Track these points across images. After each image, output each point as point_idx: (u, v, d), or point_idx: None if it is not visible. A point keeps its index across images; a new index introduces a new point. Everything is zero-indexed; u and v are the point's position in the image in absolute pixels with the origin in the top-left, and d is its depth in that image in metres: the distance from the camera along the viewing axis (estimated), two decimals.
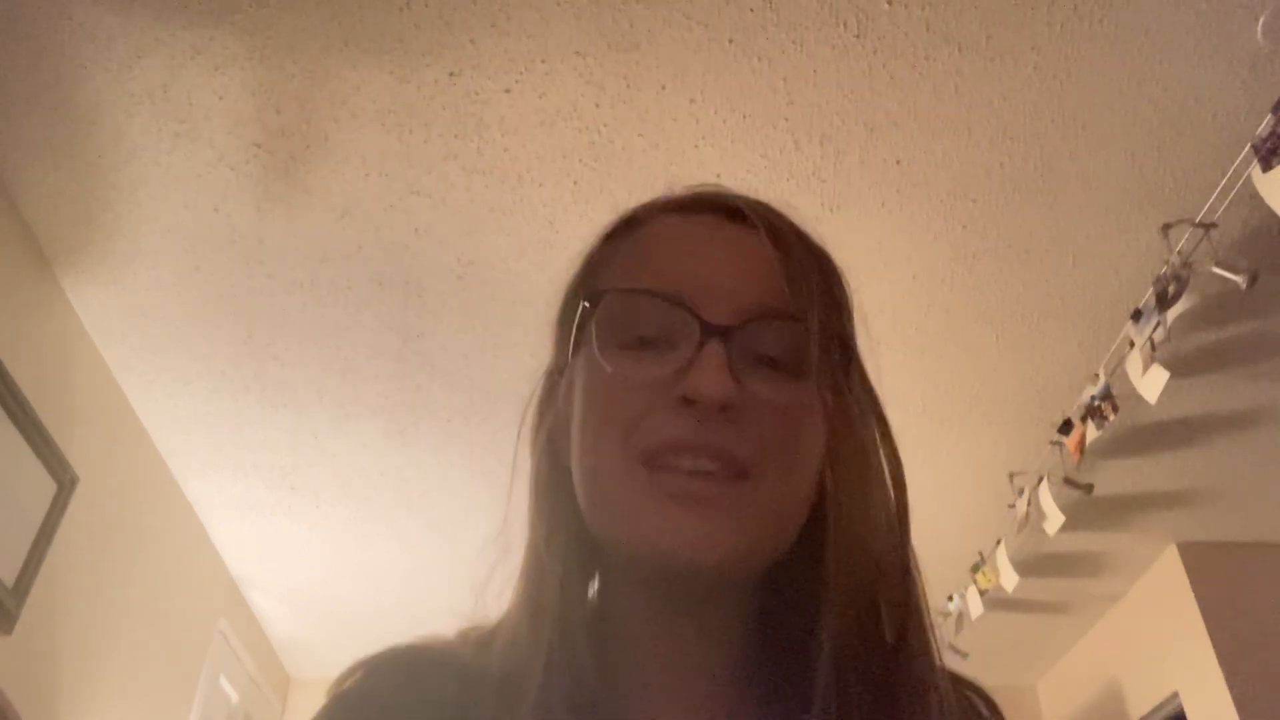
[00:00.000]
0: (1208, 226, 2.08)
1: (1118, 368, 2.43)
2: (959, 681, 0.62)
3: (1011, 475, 2.91)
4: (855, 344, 0.62)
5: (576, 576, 0.57)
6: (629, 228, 0.63)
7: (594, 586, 0.60)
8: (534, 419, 0.63)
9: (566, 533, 0.58)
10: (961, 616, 3.42)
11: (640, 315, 0.56)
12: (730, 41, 1.83)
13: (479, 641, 0.58)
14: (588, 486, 0.56)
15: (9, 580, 2.19)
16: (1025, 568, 3.15)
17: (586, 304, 0.57)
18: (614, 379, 0.55)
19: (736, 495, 0.52)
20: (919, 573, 0.59)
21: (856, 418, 0.59)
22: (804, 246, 0.61)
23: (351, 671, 0.57)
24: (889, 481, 0.58)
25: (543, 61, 1.85)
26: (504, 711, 0.52)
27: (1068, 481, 2.76)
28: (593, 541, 0.58)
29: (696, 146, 2.01)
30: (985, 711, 0.61)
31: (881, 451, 0.59)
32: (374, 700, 0.56)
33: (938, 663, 0.57)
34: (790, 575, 0.57)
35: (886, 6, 1.77)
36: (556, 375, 0.63)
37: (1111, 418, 2.49)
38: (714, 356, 0.52)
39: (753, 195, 0.65)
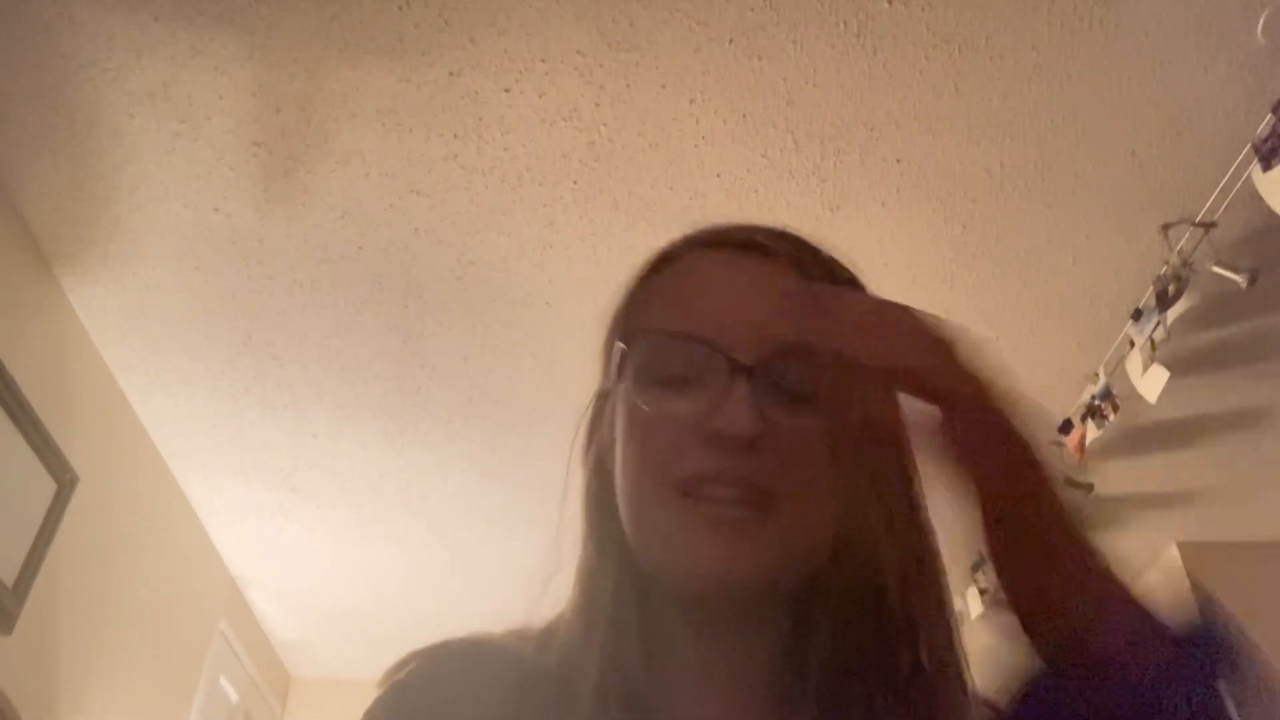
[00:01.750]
0: (1208, 226, 2.08)
1: (1118, 367, 2.42)
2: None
3: None
4: None
5: (627, 586, 0.61)
6: (663, 265, 0.67)
7: (642, 597, 0.62)
8: (584, 438, 0.67)
9: (617, 546, 0.61)
10: (962, 616, 3.42)
11: (672, 355, 0.60)
12: (730, 41, 1.83)
13: (534, 639, 0.61)
14: (628, 509, 0.60)
15: (9, 580, 2.18)
16: None
17: (623, 346, 0.62)
18: (649, 416, 0.59)
19: (760, 523, 0.56)
20: (949, 602, 0.62)
21: (874, 447, 0.62)
22: (829, 276, 0.64)
23: (406, 662, 0.60)
24: (910, 517, 0.62)
25: (543, 61, 1.85)
26: (561, 705, 0.56)
27: (1068, 481, 2.75)
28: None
29: (696, 146, 2.01)
30: None
31: (898, 487, 0.62)
32: (434, 688, 0.58)
33: (968, 686, 0.60)
34: (823, 594, 0.60)
35: (886, 6, 1.77)
36: (604, 398, 0.67)
37: (1111, 417, 2.49)
38: (739, 394, 0.56)
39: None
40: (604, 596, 0.60)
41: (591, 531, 0.63)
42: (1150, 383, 2.26)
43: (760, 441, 0.56)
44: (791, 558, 0.58)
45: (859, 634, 0.58)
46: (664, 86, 1.90)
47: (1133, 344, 2.34)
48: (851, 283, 0.67)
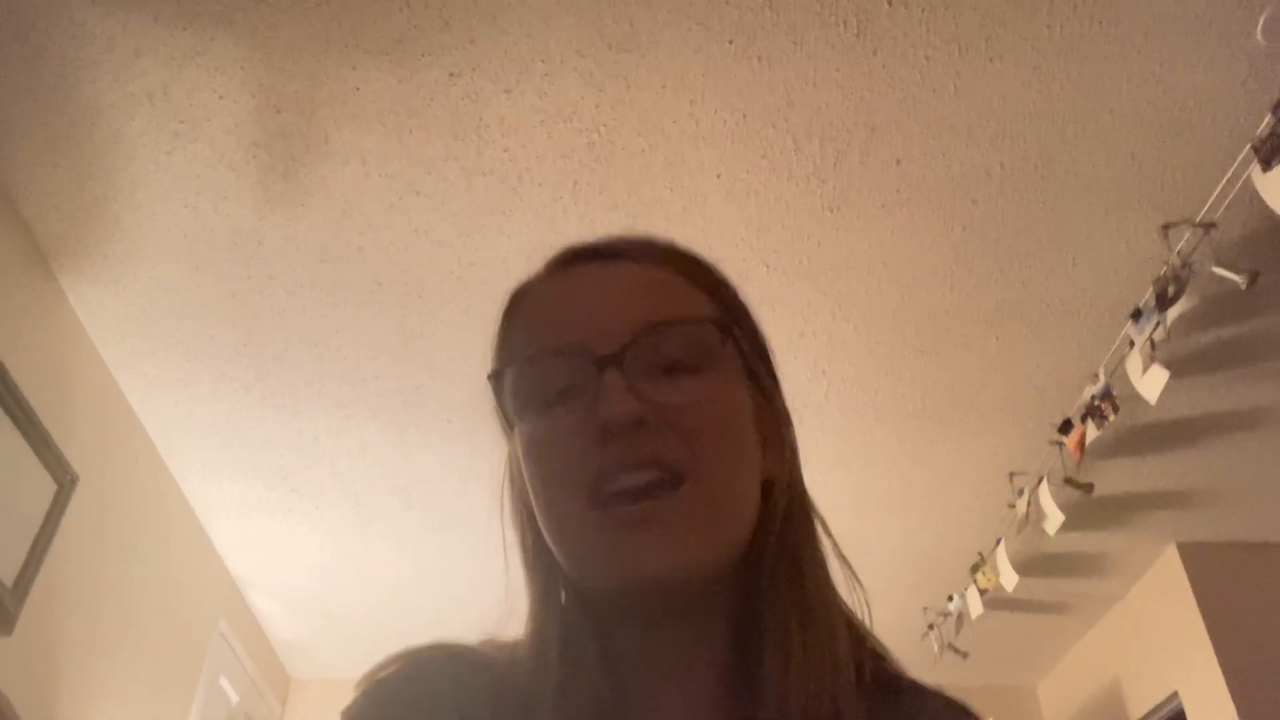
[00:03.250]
0: (1208, 226, 2.08)
1: (1118, 368, 2.43)
2: (936, 695, 0.64)
3: (1011, 475, 2.91)
4: (758, 331, 0.66)
5: (577, 621, 0.61)
6: (515, 306, 0.67)
7: (588, 624, 0.63)
8: (508, 498, 0.67)
9: (558, 589, 0.62)
10: (961, 616, 3.42)
11: (545, 375, 0.60)
12: (730, 42, 1.83)
13: (506, 650, 0.62)
14: (555, 541, 0.59)
15: (9, 580, 2.18)
16: (1025, 568, 3.15)
17: (492, 384, 0.63)
18: (542, 438, 0.59)
19: (677, 503, 0.56)
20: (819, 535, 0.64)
21: (779, 400, 0.65)
22: (672, 255, 0.65)
23: (389, 662, 0.61)
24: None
25: (543, 62, 1.86)
26: (528, 715, 0.56)
27: (1068, 481, 2.76)
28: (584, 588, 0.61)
29: (696, 148, 2.01)
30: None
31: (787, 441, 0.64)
32: (414, 686, 0.59)
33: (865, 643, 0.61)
34: (758, 554, 0.61)
35: (886, 7, 1.77)
36: (513, 457, 0.67)
37: (1111, 418, 2.49)
38: (613, 382, 0.56)
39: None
40: (551, 648, 0.59)
41: (534, 583, 0.63)
42: (1150, 383, 2.26)
43: (648, 421, 0.56)
44: (719, 531, 0.57)
45: (784, 582, 0.59)
46: (664, 87, 1.90)
47: (1133, 344, 2.34)
48: (699, 262, 0.66)
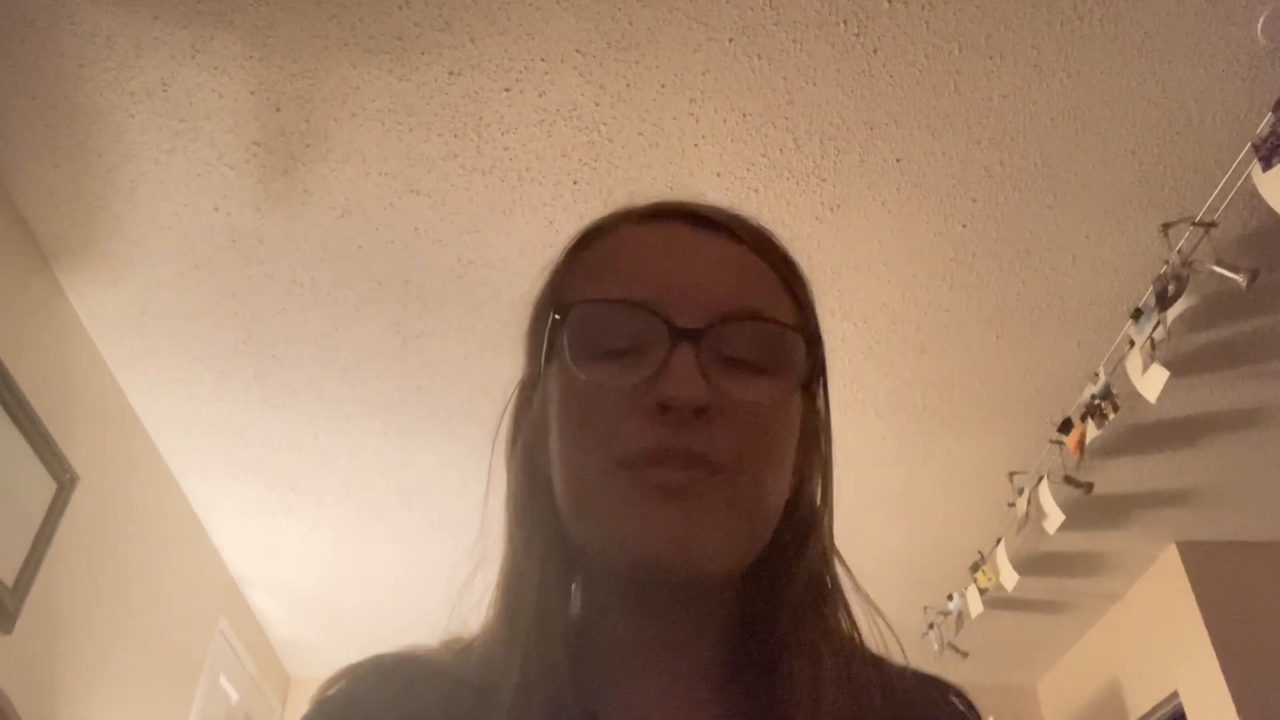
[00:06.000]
0: (1208, 226, 2.08)
1: (1118, 367, 2.43)
2: (921, 677, 0.62)
3: (1011, 474, 2.91)
4: (823, 348, 0.63)
5: (554, 584, 0.58)
6: (592, 239, 0.63)
7: (575, 595, 0.60)
8: (509, 431, 0.63)
9: (546, 541, 0.58)
10: (961, 616, 3.42)
11: (610, 325, 0.56)
12: (730, 41, 1.83)
13: (460, 650, 0.59)
14: (569, 494, 0.56)
15: (9, 580, 2.18)
16: (1025, 567, 3.15)
17: (556, 316, 0.58)
18: (589, 388, 0.55)
19: (715, 485, 0.53)
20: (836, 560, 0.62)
21: (824, 418, 0.62)
22: (769, 247, 0.62)
23: (335, 679, 0.58)
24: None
25: (542, 61, 1.85)
26: (483, 717, 0.53)
27: (1068, 480, 2.76)
28: (573, 549, 0.58)
29: (696, 146, 2.01)
30: (961, 708, 0.61)
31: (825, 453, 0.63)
32: (357, 705, 0.57)
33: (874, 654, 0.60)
34: (768, 571, 0.59)
35: (886, 5, 1.77)
36: (530, 387, 0.63)
37: (1111, 417, 2.49)
38: (685, 359, 0.53)
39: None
40: (527, 599, 0.56)
41: (519, 528, 0.60)
42: (1150, 382, 2.26)
43: (709, 410, 0.53)
44: (746, 528, 0.55)
45: (806, 607, 0.57)
46: (664, 86, 1.90)
47: (1133, 344, 2.34)
48: (790, 260, 0.63)
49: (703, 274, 0.57)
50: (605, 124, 1.97)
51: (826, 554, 0.60)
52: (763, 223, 0.63)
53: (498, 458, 0.63)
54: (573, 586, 0.60)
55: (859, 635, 0.60)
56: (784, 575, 0.58)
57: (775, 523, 0.57)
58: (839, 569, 0.61)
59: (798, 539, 0.59)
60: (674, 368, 0.52)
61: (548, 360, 0.59)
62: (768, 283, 0.59)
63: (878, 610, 0.61)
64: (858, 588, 0.61)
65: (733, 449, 0.53)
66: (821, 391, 0.62)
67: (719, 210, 0.62)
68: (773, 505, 0.57)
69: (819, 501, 0.61)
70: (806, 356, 0.58)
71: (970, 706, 0.61)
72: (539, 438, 0.60)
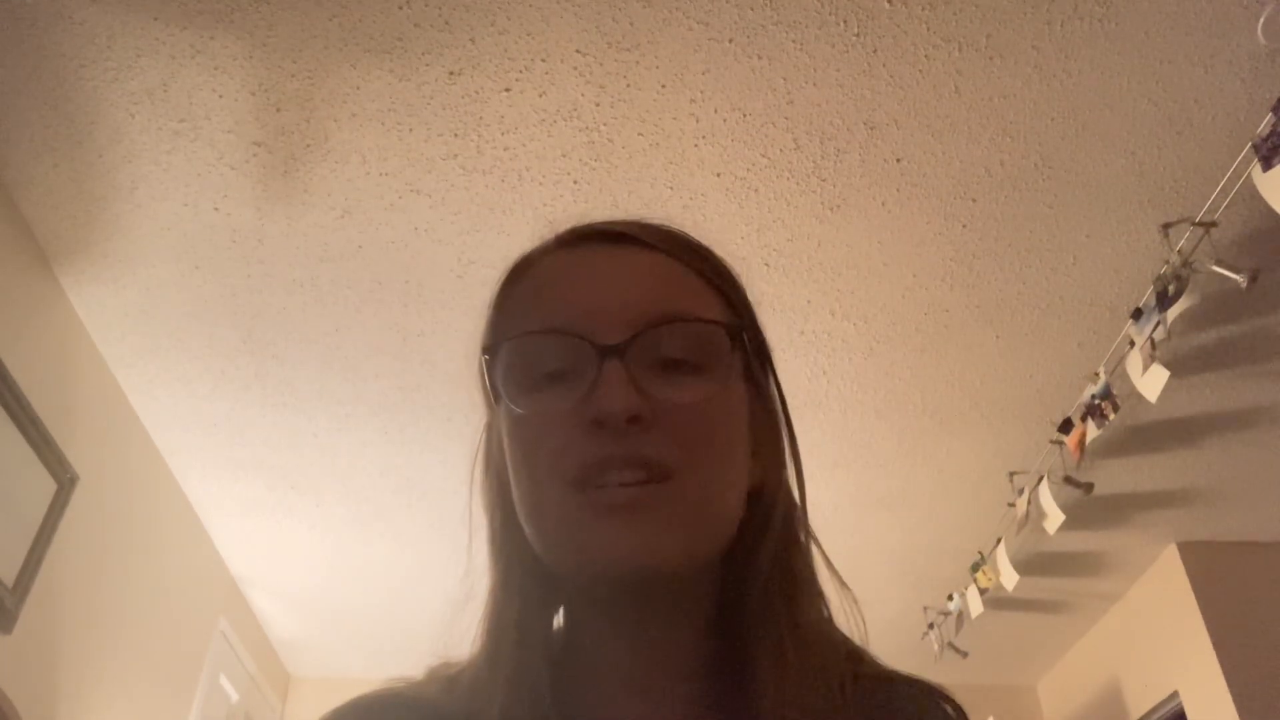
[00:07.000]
0: (1208, 226, 2.08)
1: (1118, 367, 2.43)
2: (910, 681, 0.63)
3: (1011, 475, 2.91)
4: (764, 338, 0.65)
5: (535, 612, 0.60)
6: (519, 276, 0.65)
7: (558, 619, 0.62)
8: (481, 473, 0.65)
9: (523, 573, 0.60)
10: (961, 616, 3.42)
11: (540, 355, 0.58)
12: (730, 41, 1.83)
13: (445, 680, 0.60)
14: (531, 522, 0.58)
15: (9, 580, 2.18)
16: (1025, 567, 3.15)
17: (486, 356, 0.60)
18: (530, 418, 0.57)
19: (664, 495, 0.54)
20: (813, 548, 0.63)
21: (776, 408, 0.63)
22: (688, 248, 0.63)
23: None
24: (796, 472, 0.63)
25: (543, 61, 1.85)
26: None
27: (1068, 480, 2.76)
28: (550, 577, 0.60)
29: (696, 146, 2.01)
30: (953, 714, 0.61)
31: (787, 444, 0.63)
32: None
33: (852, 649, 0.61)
34: (737, 561, 0.60)
35: (886, 6, 1.77)
36: (490, 428, 0.65)
37: (1111, 417, 2.49)
38: (614, 374, 0.54)
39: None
40: (508, 628, 0.58)
41: (497, 564, 0.62)
42: (1150, 383, 2.26)
43: (644, 418, 0.54)
44: (702, 529, 0.56)
45: (774, 597, 0.58)
46: (664, 86, 1.90)
47: (1133, 344, 2.34)
48: (712, 258, 0.64)
49: (620, 288, 0.59)
50: (605, 124, 1.97)
51: (797, 541, 0.61)
52: (674, 225, 0.65)
53: (475, 499, 0.65)
54: (558, 612, 0.62)
55: (836, 628, 0.61)
56: (751, 565, 0.59)
57: (738, 515, 0.58)
58: (819, 559, 0.62)
59: (760, 527, 0.60)
60: (603, 383, 0.54)
61: (495, 399, 0.61)
62: (687, 283, 0.61)
63: (854, 600, 0.62)
64: (836, 577, 0.62)
65: (675, 451, 0.55)
66: (770, 378, 0.64)
67: (629, 223, 0.63)
68: (730, 499, 0.58)
69: (779, 489, 0.61)
70: (735, 347, 0.59)
71: (960, 712, 0.61)
72: (500, 476, 0.62)
